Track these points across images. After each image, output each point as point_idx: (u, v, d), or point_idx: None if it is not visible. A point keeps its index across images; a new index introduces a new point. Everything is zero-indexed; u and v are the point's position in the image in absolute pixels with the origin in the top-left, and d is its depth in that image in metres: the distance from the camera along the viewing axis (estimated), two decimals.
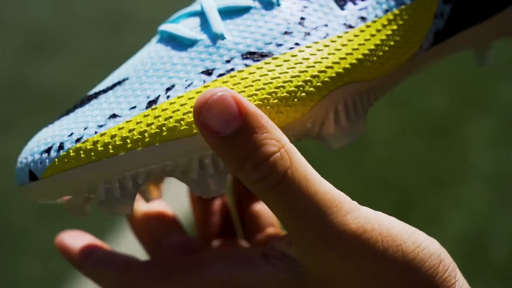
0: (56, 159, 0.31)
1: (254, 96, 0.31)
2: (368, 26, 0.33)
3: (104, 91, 0.33)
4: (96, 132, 0.31)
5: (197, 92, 0.31)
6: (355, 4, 0.34)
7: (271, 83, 0.31)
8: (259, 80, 0.31)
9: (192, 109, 0.30)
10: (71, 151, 0.31)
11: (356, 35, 0.33)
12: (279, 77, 0.31)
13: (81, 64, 1.79)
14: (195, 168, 0.31)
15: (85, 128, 0.31)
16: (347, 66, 0.32)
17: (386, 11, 0.34)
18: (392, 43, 0.34)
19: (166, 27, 0.34)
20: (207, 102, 0.29)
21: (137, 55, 0.34)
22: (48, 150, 0.31)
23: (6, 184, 1.51)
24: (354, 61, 0.32)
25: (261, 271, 0.31)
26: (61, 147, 0.31)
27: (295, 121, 0.31)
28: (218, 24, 0.33)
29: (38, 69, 1.77)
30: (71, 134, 0.31)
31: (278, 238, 0.32)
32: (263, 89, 0.31)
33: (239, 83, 0.31)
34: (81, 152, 0.31)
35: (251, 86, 0.31)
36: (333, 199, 0.29)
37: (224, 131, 0.29)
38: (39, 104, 1.69)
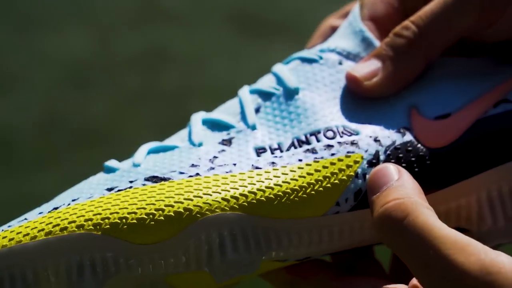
0: None
1: (124, 209, 0.34)
2: (275, 169, 0.36)
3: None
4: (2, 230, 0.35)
5: (92, 200, 0.35)
6: (272, 153, 0.37)
7: (144, 200, 0.34)
8: (144, 195, 0.35)
9: (86, 214, 0.34)
10: None
11: (259, 174, 0.36)
12: (153, 197, 0.35)
13: (119, 100, 1.79)
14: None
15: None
16: (235, 195, 0.35)
17: (300, 160, 0.36)
18: (302, 192, 0.35)
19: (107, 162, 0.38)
20: (375, 170, 0.36)
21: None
22: None
23: None
24: (244, 193, 0.35)
25: None
26: None
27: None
28: (139, 157, 0.37)
29: (77, 104, 1.78)
30: None
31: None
32: (135, 204, 0.34)
33: (127, 195, 0.35)
34: None
35: (136, 198, 0.34)
36: (455, 242, 0.31)
37: (378, 191, 0.35)
38: (77, 141, 1.70)
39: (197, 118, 0.39)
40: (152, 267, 0.34)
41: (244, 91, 0.39)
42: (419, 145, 0.37)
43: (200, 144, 0.37)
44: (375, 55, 0.39)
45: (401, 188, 0.34)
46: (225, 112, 0.39)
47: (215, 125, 0.38)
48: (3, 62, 1.87)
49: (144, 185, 0.35)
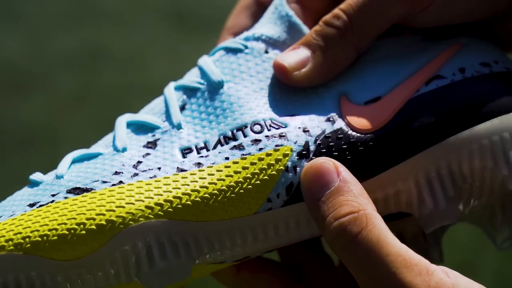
0: None
1: (45, 226, 0.33)
2: (200, 171, 0.35)
3: None
4: None
5: (13, 219, 0.34)
6: (198, 153, 0.36)
7: (65, 215, 0.33)
8: (65, 209, 0.33)
9: (6, 234, 0.33)
10: None
11: (184, 177, 0.35)
12: (78, 210, 0.34)
13: (56, 101, 1.76)
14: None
15: None
16: (159, 202, 0.34)
17: (226, 159, 0.35)
18: (229, 192, 0.34)
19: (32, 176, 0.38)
20: (311, 168, 0.35)
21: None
22: None
23: None
24: (168, 199, 0.34)
25: None
26: None
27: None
28: (62, 168, 0.36)
29: (11, 108, 1.75)
30: None
31: None
32: (55, 220, 0.33)
33: (48, 211, 0.34)
34: None
35: (57, 213, 0.33)
36: (405, 261, 0.31)
37: (319, 194, 0.34)
38: (13, 146, 1.67)
39: (121, 121, 0.38)
40: (81, 282, 0.33)
41: (169, 88, 0.38)
42: (350, 132, 0.36)
43: (124, 150, 0.36)
44: (304, 44, 0.38)
45: (350, 196, 0.33)
46: (150, 112, 0.38)
47: (140, 127, 0.37)
48: None
49: (66, 197, 0.34)
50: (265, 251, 0.37)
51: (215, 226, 0.34)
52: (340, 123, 0.36)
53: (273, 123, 0.36)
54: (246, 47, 0.39)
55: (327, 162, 0.35)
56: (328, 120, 0.37)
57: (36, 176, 0.37)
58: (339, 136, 0.36)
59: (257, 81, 0.38)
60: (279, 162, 0.35)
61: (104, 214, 0.33)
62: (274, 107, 0.37)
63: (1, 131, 1.68)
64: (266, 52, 0.39)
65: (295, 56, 0.38)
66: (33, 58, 1.86)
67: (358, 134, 0.36)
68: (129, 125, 0.38)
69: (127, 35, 1.94)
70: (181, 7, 1.98)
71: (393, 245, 0.32)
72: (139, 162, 0.36)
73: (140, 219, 0.33)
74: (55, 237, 0.33)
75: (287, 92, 0.38)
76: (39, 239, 0.33)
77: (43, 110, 1.73)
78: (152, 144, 0.36)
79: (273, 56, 0.39)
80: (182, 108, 0.37)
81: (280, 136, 0.36)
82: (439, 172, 0.36)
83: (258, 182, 0.35)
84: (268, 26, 0.39)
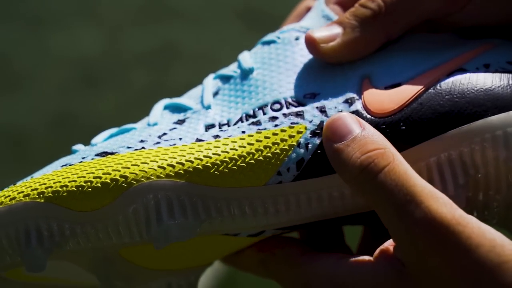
0: None
1: (66, 178, 0.36)
2: (217, 141, 0.36)
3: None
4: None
5: (44, 174, 0.37)
6: (220, 128, 0.37)
7: (86, 170, 0.36)
8: (89, 166, 0.36)
9: (33, 185, 0.36)
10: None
11: (200, 145, 0.36)
12: (97, 167, 0.36)
13: (128, 97, 1.80)
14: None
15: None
16: (171, 163, 0.36)
17: (243, 132, 0.37)
18: (240, 161, 0.36)
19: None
20: (333, 120, 0.36)
21: None
22: None
23: None
24: (180, 162, 0.36)
25: (364, 269, 0.34)
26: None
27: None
28: (98, 139, 0.39)
29: (86, 102, 1.79)
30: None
31: (386, 245, 0.35)
32: (77, 174, 0.36)
33: (74, 168, 0.36)
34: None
35: (80, 169, 0.36)
36: (431, 193, 0.32)
37: (342, 140, 0.35)
38: (87, 138, 1.70)
39: (160, 103, 0.40)
40: (96, 236, 0.35)
41: (209, 78, 0.40)
42: (365, 114, 0.36)
43: (155, 124, 0.38)
44: (337, 22, 0.39)
45: (376, 138, 0.35)
46: (188, 96, 0.40)
47: (176, 109, 0.39)
48: (14, 62, 1.88)
49: (93, 159, 0.37)
50: (278, 226, 0.37)
51: (224, 192, 0.36)
52: (357, 105, 0.37)
53: (293, 101, 0.37)
54: (279, 37, 0.40)
55: (349, 114, 0.36)
56: (346, 101, 0.37)
57: (77, 147, 0.39)
58: None
59: (284, 64, 0.39)
60: (292, 138, 0.36)
61: (119, 170, 0.35)
62: (297, 85, 0.38)
63: (74, 123, 1.72)
64: (297, 39, 0.40)
65: (326, 31, 0.39)
66: (108, 54, 1.90)
67: (373, 117, 0.36)
68: (167, 107, 0.40)
69: (200, 34, 1.96)
70: (254, 7, 1.99)
71: (419, 179, 0.33)
72: (164, 133, 0.38)
73: (151, 177, 0.35)
74: (73, 188, 0.35)
75: (313, 73, 0.39)
76: (59, 189, 0.35)
77: (115, 105, 1.76)
78: (181, 121, 0.38)
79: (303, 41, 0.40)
80: (216, 93, 0.39)
81: (297, 114, 0.37)
82: (450, 158, 0.36)
83: (269, 154, 0.36)
84: (305, 21, 0.41)
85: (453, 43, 0.39)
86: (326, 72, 0.38)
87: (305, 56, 0.39)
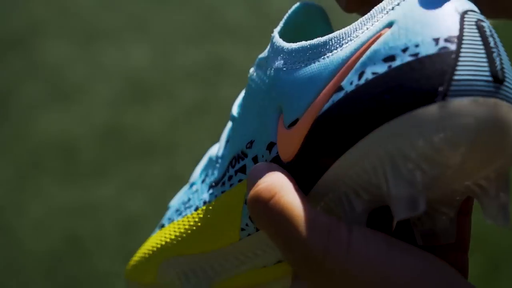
0: None
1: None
2: (200, 210, 0.41)
3: None
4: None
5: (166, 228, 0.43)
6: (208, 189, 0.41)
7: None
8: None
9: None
10: None
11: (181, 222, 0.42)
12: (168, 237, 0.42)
13: (177, 112, 1.81)
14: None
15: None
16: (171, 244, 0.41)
17: (216, 196, 0.40)
18: (204, 228, 0.39)
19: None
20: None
21: None
22: None
23: (94, 228, 1.53)
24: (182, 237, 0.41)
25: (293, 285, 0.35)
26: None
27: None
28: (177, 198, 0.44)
29: (136, 116, 1.80)
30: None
31: None
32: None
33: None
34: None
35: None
36: (312, 221, 0.32)
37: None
38: (136, 151, 1.72)
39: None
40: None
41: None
42: (281, 159, 0.35)
43: (195, 183, 0.43)
44: None
45: (271, 174, 0.34)
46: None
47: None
48: (67, 75, 1.91)
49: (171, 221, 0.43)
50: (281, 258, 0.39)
51: (213, 254, 0.39)
52: (275, 151, 0.36)
53: (242, 154, 0.38)
54: (252, 76, 0.40)
55: (262, 163, 0.35)
56: (268, 147, 0.36)
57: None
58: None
59: (250, 106, 0.38)
60: (241, 195, 0.38)
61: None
62: (245, 133, 0.38)
63: (123, 137, 1.74)
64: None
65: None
66: (158, 69, 1.92)
67: (284, 163, 0.35)
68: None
69: (248, 51, 1.97)
70: None
71: (303, 209, 0.32)
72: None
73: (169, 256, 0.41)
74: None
75: (258, 112, 0.37)
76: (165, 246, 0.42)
77: (164, 119, 1.78)
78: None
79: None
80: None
81: (241, 169, 0.38)
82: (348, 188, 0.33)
83: (229, 216, 0.38)
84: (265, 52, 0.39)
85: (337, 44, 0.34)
86: (260, 112, 0.37)
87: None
